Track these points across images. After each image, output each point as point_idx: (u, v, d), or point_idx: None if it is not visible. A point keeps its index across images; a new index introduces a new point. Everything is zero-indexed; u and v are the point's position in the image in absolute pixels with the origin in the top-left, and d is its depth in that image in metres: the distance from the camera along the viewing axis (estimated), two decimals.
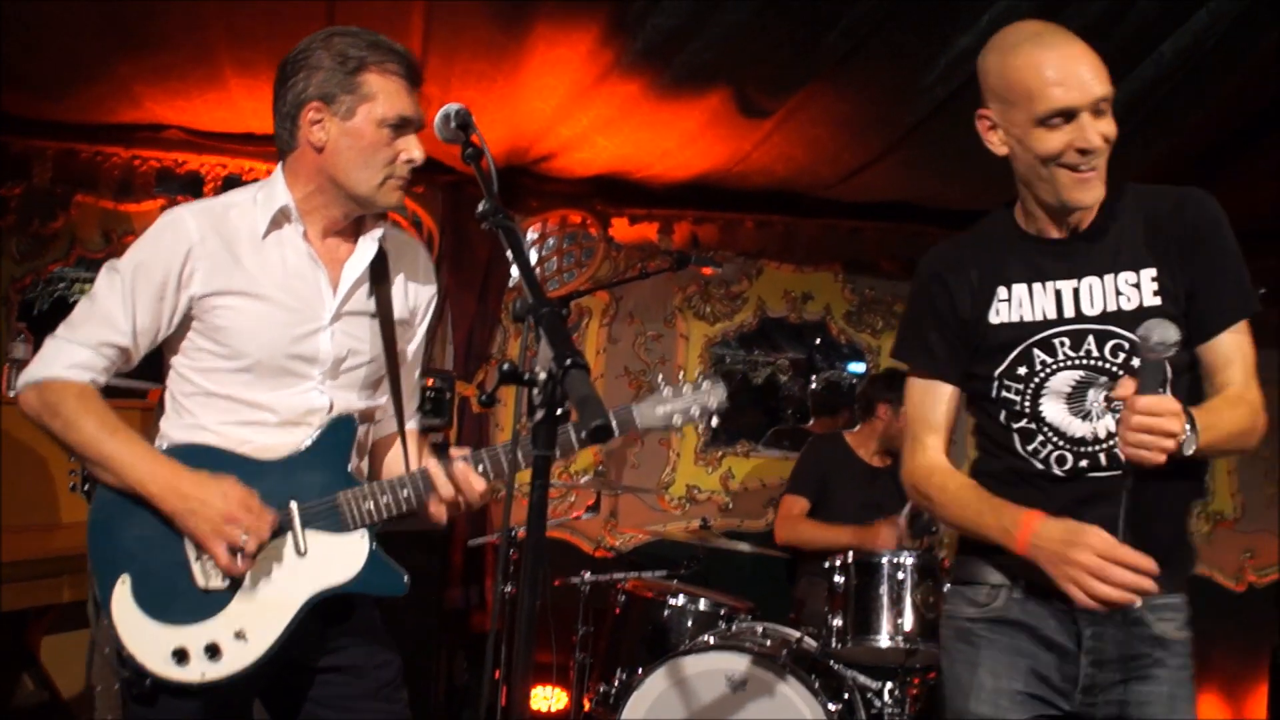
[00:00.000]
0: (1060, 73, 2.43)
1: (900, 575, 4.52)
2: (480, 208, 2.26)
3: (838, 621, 4.63)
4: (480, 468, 2.55)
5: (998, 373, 2.60)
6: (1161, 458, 2.25)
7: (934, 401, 2.72)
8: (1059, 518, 2.43)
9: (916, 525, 5.34)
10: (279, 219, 2.60)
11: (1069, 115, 2.42)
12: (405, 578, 2.57)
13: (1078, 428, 2.54)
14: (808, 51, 4.63)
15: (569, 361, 1.84)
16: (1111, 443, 2.49)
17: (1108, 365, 2.50)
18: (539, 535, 1.87)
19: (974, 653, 2.62)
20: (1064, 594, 2.39)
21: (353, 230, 2.67)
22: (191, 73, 5.06)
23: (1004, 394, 2.60)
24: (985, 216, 2.71)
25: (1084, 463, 2.53)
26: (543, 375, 1.87)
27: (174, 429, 2.60)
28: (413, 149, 2.57)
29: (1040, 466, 2.57)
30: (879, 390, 5.70)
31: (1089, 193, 2.47)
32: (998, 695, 2.57)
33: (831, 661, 4.68)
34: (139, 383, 4.49)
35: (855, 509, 5.45)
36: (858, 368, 6.99)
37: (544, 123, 5.52)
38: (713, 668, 4.55)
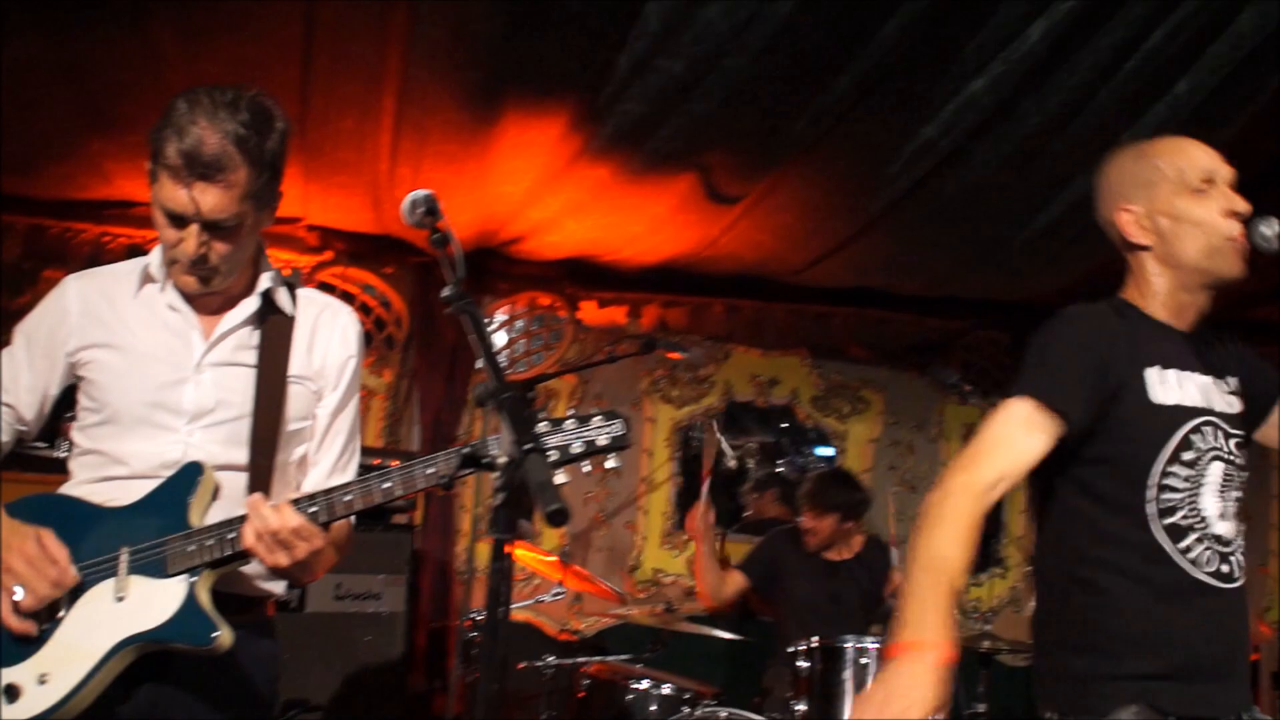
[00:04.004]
0: (1198, 146, 2.61)
1: (864, 660, 4.51)
2: (445, 292, 2.26)
3: (801, 707, 4.60)
4: (313, 509, 2.42)
5: (1164, 454, 2.47)
6: None
7: (1028, 441, 2.47)
8: None
9: (880, 612, 5.37)
10: (145, 276, 2.61)
11: (1212, 180, 2.55)
12: (218, 632, 2.40)
13: (1222, 527, 2.50)
14: (774, 139, 4.70)
15: (529, 446, 1.84)
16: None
17: (1236, 461, 2.54)
18: (496, 618, 1.85)
19: None
20: None
21: (246, 286, 2.65)
22: None
23: (1166, 482, 2.47)
24: (1104, 301, 2.64)
25: (1226, 568, 2.48)
26: (502, 459, 1.87)
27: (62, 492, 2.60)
28: (186, 241, 2.47)
29: (1193, 571, 2.44)
30: (815, 497, 5.75)
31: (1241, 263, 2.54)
32: None
33: None
34: None
35: (814, 602, 5.47)
36: (825, 452, 7.00)
37: (514, 205, 5.56)
38: None
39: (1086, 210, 4.89)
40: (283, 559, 2.40)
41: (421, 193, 2.37)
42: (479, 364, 6.35)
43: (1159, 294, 2.60)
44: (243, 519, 2.42)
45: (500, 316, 6.65)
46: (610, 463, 2.62)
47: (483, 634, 1.96)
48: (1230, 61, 4.22)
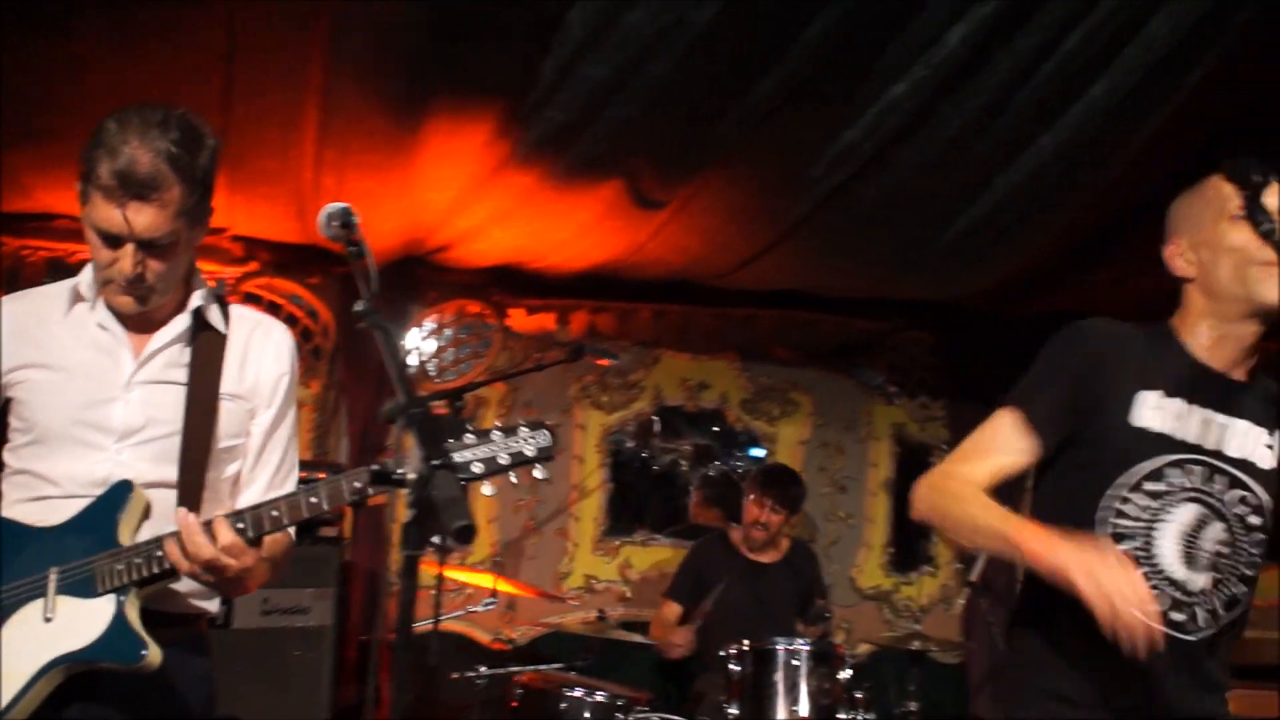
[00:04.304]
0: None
1: (795, 662, 4.54)
2: (357, 307, 2.24)
3: (734, 710, 4.62)
4: (240, 524, 2.38)
5: (1127, 479, 2.46)
6: None
7: (1009, 447, 2.51)
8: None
9: (809, 614, 5.39)
10: (75, 296, 2.59)
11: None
12: (146, 650, 2.37)
13: (1183, 573, 2.45)
14: (699, 144, 4.72)
15: (437, 463, 1.84)
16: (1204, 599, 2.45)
17: (1226, 511, 2.47)
18: (407, 633, 1.87)
19: None
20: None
21: (178, 304, 2.63)
22: None
23: (1122, 508, 2.46)
24: (1149, 322, 2.63)
25: (1180, 616, 2.44)
26: (411, 476, 1.86)
27: None
28: (122, 261, 2.45)
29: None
30: (750, 486, 5.80)
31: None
32: None
33: None
34: None
35: (743, 606, 5.49)
36: (758, 453, 7.03)
37: (440, 214, 5.54)
38: None
39: (1008, 211, 4.96)
40: (210, 576, 2.38)
41: (337, 206, 2.35)
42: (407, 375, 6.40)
43: (1200, 326, 2.55)
44: (173, 535, 2.39)
45: (429, 325, 6.61)
46: (538, 473, 2.63)
47: (395, 650, 1.95)
48: (1145, 63, 4.28)
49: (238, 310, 2.75)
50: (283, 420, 2.75)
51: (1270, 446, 2.52)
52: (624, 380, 6.80)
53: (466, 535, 1.82)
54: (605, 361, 6.17)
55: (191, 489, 2.56)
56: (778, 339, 6.90)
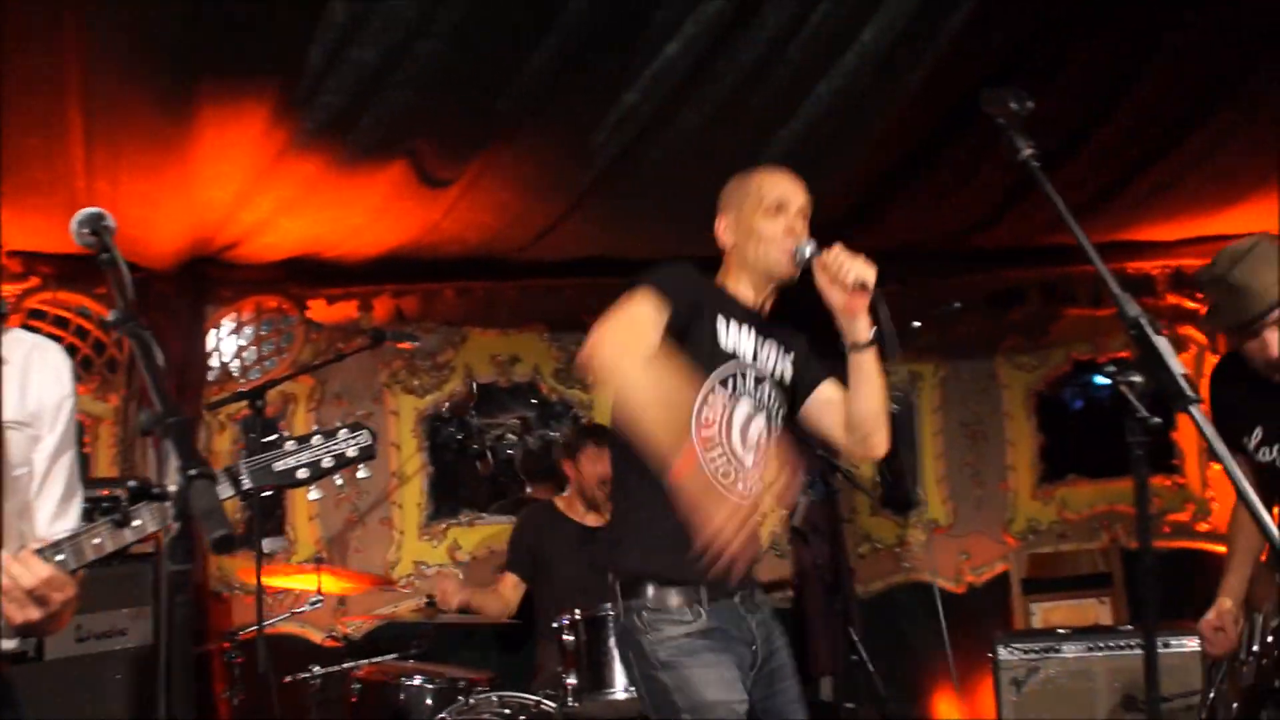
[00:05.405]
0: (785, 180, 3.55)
1: None
2: (111, 316, 2.17)
3: (572, 680, 4.62)
4: (59, 557, 2.31)
5: (710, 382, 3.29)
6: None
7: (656, 327, 3.14)
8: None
9: None
10: None
11: (783, 206, 3.45)
12: None
13: (741, 452, 3.36)
14: (478, 120, 4.67)
15: (193, 473, 1.79)
16: None
17: (766, 408, 3.43)
18: (186, 652, 1.81)
19: (702, 658, 3.25)
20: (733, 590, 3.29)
21: None
22: None
23: (708, 399, 3.29)
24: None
25: (741, 485, 3.33)
26: (173, 488, 1.82)
27: None
28: None
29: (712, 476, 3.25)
30: (570, 445, 5.82)
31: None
32: (728, 684, 3.25)
33: None
34: None
35: (576, 573, 5.50)
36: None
37: (224, 210, 5.39)
38: None
39: (792, 162, 5.07)
40: (34, 613, 2.29)
41: (88, 211, 2.28)
42: (212, 374, 6.23)
43: (741, 279, 3.49)
44: None
45: (227, 324, 6.45)
46: (361, 472, 2.62)
47: (172, 668, 1.90)
48: (909, 8, 4.37)
49: (11, 334, 2.63)
50: (67, 446, 2.65)
51: (790, 364, 3.50)
52: (433, 362, 6.72)
53: (225, 546, 1.78)
54: (408, 345, 6.11)
55: None
56: (585, 307, 6.87)
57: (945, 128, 5.39)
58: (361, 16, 3.97)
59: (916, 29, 4.47)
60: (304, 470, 2.42)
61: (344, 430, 2.51)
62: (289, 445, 2.43)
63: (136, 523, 2.33)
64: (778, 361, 3.47)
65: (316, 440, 2.46)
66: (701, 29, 4.28)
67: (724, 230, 3.52)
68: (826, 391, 3.55)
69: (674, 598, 3.30)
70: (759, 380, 3.40)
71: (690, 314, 3.23)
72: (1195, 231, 7.14)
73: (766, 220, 3.41)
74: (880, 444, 3.47)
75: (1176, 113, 5.48)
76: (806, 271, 3.38)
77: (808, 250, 3.34)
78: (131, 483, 1.74)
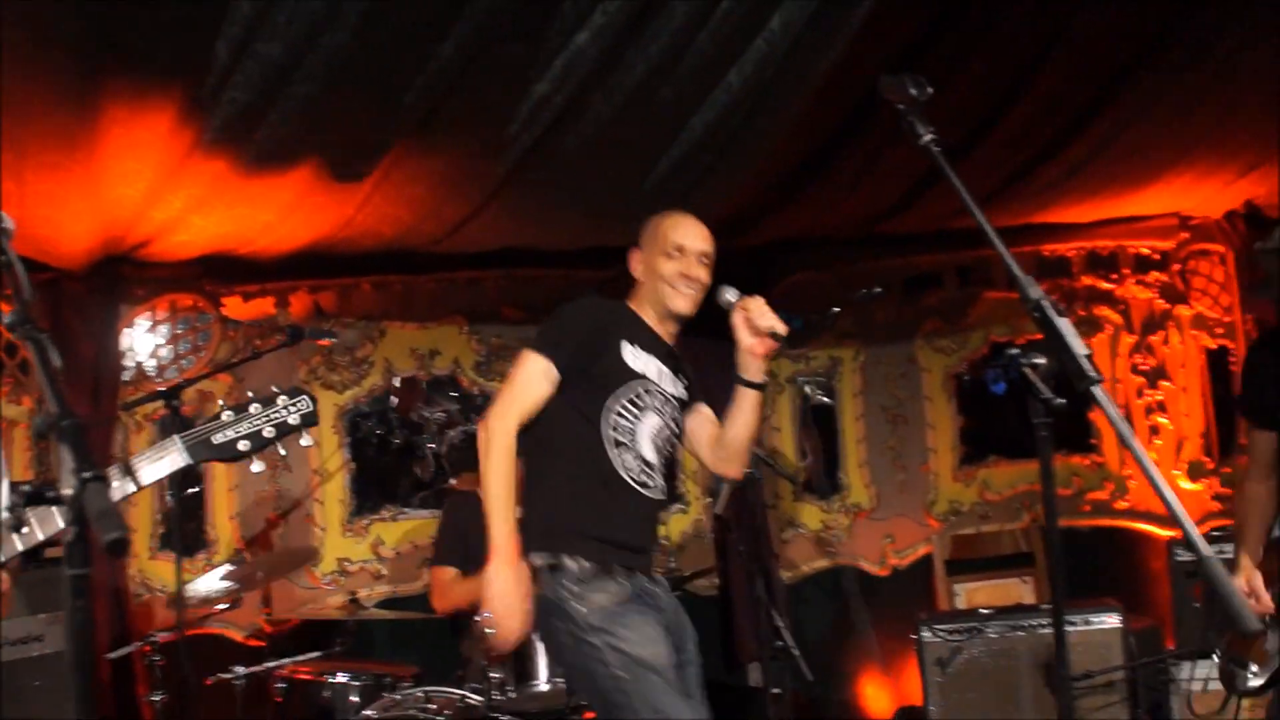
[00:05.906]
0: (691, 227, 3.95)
1: None
2: (6, 319, 2.13)
3: (497, 674, 4.63)
4: None
5: (618, 397, 3.72)
6: None
7: (538, 388, 3.67)
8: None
9: None
10: None
11: (682, 250, 3.84)
12: None
13: (650, 455, 3.81)
14: (387, 113, 4.63)
15: (87, 475, 1.78)
16: None
17: (666, 420, 3.85)
18: (89, 656, 1.79)
19: (631, 619, 3.58)
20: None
21: None
22: None
23: (620, 412, 3.73)
24: (622, 302, 3.95)
25: (649, 482, 3.80)
26: (68, 492, 1.80)
27: None
28: None
29: (624, 474, 3.72)
30: None
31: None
32: (657, 640, 3.57)
33: (498, 715, 4.67)
34: None
35: None
36: None
37: (134, 208, 5.32)
38: None
39: (706, 151, 5.10)
40: None
41: None
42: (127, 374, 6.15)
43: (646, 309, 3.89)
44: None
45: (143, 323, 6.37)
46: (304, 440, 2.54)
47: (75, 672, 1.88)
48: None
49: None
50: None
51: (683, 386, 3.92)
52: (352, 357, 6.68)
53: (119, 548, 1.76)
54: (326, 341, 6.08)
55: None
56: (504, 298, 6.90)
57: (855, 115, 5.44)
58: (266, 9, 3.93)
59: (824, 17, 4.50)
60: (244, 442, 2.33)
61: (283, 397, 2.42)
62: (225, 416, 2.34)
63: (25, 530, 2.29)
64: (675, 383, 3.89)
65: (255, 409, 2.38)
66: (610, 18, 4.28)
67: (634, 265, 3.95)
68: (704, 411, 4.00)
69: (597, 569, 3.61)
70: (664, 397, 3.82)
71: (593, 348, 3.71)
72: (1109, 213, 7.27)
73: (666, 261, 3.81)
74: (736, 470, 3.98)
75: (1081, 97, 5.57)
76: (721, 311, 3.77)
77: (730, 296, 3.71)
78: (25, 487, 1.70)
